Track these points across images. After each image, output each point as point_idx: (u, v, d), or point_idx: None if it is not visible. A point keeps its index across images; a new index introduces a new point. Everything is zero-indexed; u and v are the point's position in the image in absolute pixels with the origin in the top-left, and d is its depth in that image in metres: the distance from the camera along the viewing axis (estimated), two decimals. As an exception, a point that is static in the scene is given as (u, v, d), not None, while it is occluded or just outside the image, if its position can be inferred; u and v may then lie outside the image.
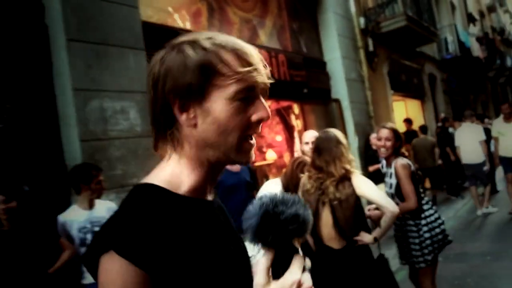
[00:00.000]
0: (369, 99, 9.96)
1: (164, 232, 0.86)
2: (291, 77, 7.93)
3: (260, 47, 6.93)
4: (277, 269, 0.89)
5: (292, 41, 8.75)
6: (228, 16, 7.27)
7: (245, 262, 1.06)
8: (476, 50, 19.85)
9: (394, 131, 4.01)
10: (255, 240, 0.88)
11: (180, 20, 6.31)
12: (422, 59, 14.24)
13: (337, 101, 9.26)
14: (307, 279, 0.88)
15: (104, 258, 0.83)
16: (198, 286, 0.87)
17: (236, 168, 4.40)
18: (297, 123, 8.60)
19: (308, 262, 0.92)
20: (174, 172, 0.98)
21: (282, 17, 8.62)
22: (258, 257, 0.89)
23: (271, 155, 9.12)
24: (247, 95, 0.95)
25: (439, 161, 11.31)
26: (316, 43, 9.46)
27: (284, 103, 8.66)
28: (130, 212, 0.89)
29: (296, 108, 8.64)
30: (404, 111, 13.99)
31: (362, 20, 10.42)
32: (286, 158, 9.00)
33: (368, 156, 8.49)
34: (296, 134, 8.55)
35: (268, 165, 9.13)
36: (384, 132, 4.00)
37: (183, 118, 0.95)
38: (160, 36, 4.80)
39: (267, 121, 1.00)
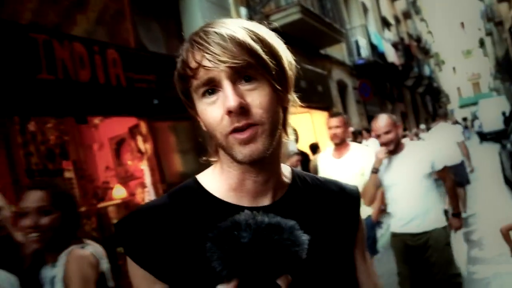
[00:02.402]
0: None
1: (170, 237, 0.93)
2: (131, 82, 5.74)
3: (70, 38, 4.88)
4: None
5: (137, 34, 6.55)
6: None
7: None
8: (392, 56, 18.75)
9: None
10: (218, 267, 0.80)
11: None
12: (328, 63, 12.58)
13: (207, 114, 7.15)
14: None
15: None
16: None
17: None
18: (145, 148, 6.37)
19: None
20: (217, 172, 1.03)
21: (120, 1, 6.42)
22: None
23: (119, 193, 6.86)
24: (210, 88, 0.91)
25: None
26: (176, 38, 7.34)
27: (124, 120, 6.43)
28: (146, 212, 0.98)
29: (143, 127, 6.40)
30: (311, 125, 12.20)
31: (243, 11, 8.47)
32: (139, 195, 6.78)
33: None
34: (145, 163, 6.32)
35: (116, 206, 6.86)
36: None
37: (201, 123, 0.99)
38: None
39: (237, 111, 0.87)
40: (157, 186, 6.23)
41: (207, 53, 0.87)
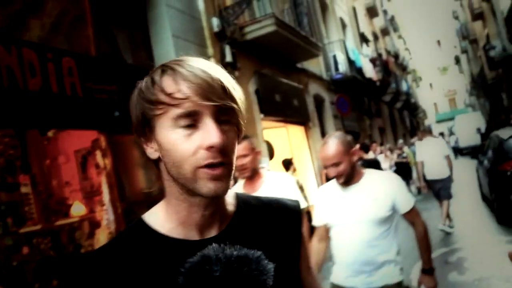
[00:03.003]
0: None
1: (122, 284, 0.90)
2: (89, 93, 5.27)
3: (19, 43, 4.42)
4: None
5: (99, 42, 6.07)
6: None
7: None
8: (369, 71, 18.50)
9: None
10: None
11: None
12: (305, 77, 12.21)
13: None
14: None
15: None
16: None
17: None
18: (105, 163, 5.86)
19: None
20: (164, 208, 1.01)
21: (81, 5, 5.95)
22: None
23: (77, 210, 6.31)
24: (190, 121, 0.91)
25: None
26: (143, 48, 6.89)
27: (89, 133, 5.93)
28: (95, 261, 0.95)
29: (102, 141, 5.90)
30: (287, 140, 11.79)
31: (215, 21, 8.05)
32: (99, 213, 6.25)
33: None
34: (103, 179, 5.81)
35: (76, 224, 6.31)
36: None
37: (148, 151, 0.98)
38: None
39: (219, 147, 0.89)
40: (116, 205, 5.73)
41: (195, 87, 0.88)
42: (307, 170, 11.67)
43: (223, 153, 0.91)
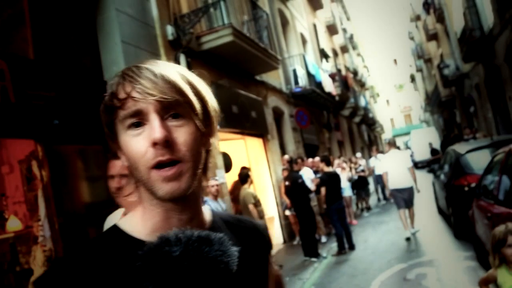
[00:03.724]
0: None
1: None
2: (24, 99, 4.71)
3: None
4: None
5: (40, 44, 5.49)
6: None
7: None
8: (329, 85, 18.33)
9: None
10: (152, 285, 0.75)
11: None
12: (264, 89, 11.82)
13: (122, 138, 6.13)
14: None
15: None
16: None
17: None
18: (41, 175, 5.25)
19: None
20: (139, 214, 0.95)
21: (18, 3, 5.37)
22: None
23: (13, 224, 5.65)
24: (136, 121, 0.87)
25: (287, 212, 10.28)
26: (91, 53, 6.34)
27: (15, 143, 5.32)
28: (68, 267, 0.87)
29: (39, 151, 5.29)
30: (245, 152, 11.34)
31: (170, 29, 7.56)
32: (36, 229, 5.61)
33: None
34: (40, 192, 5.20)
35: (11, 240, 5.65)
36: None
37: (122, 160, 0.94)
38: None
39: (162, 143, 0.84)
40: (52, 220, 5.13)
41: (137, 85, 0.85)
42: (265, 183, 11.23)
43: (172, 149, 0.86)
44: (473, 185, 6.31)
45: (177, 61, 7.60)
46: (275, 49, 13.16)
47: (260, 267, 1.06)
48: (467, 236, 7.16)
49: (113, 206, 2.68)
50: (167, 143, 0.84)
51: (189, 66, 7.81)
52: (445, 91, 27.94)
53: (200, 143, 0.91)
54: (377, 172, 15.61)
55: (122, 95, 0.86)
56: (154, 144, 0.83)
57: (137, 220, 0.93)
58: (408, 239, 8.60)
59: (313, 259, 8.61)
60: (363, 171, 15.17)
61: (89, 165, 5.98)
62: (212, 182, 6.20)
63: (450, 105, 28.96)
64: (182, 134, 0.87)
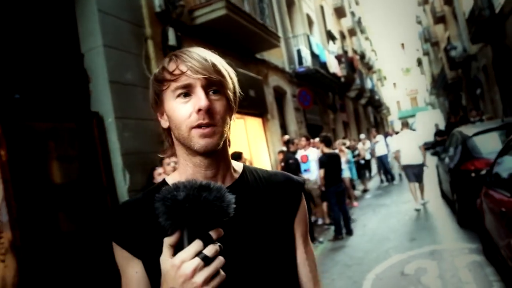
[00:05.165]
0: (161, 114, 6.16)
1: (140, 223, 1.07)
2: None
3: None
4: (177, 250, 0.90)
5: (7, 13, 4.66)
6: None
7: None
8: (334, 66, 17.30)
9: None
10: (163, 221, 0.88)
11: None
12: (265, 68, 10.90)
13: (96, 116, 5.34)
14: (191, 263, 0.86)
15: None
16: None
17: None
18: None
19: (211, 250, 0.87)
20: (180, 171, 1.14)
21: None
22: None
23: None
24: (185, 92, 1.04)
25: None
26: (67, 24, 5.50)
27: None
28: (124, 206, 1.16)
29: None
30: (244, 132, 10.50)
31: (157, 0, 6.67)
32: None
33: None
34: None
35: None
36: None
37: (162, 123, 1.13)
38: None
39: (205, 110, 1.02)
40: (11, 204, 4.36)
41: (189, 64, 1.03)
42: (263, 163, 10.40)
43: (211, 115, 1.03)
44: (483, 171, 5.38)
45: (165, 35, 6.73)
46: (277, 27, 12.20)
47: (285, 211, 1.17)
48: (472, 226, 6.29)
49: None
50: (208, 111, 1.03)
51: (180, 41, 6.95)
52: (451, 74, 26.64)
53: (228, 114, 1.09)
54: (379, 154, 14.69)
55: (177, 71, 1.04)
56: (199, 110, 1.02)
57: (176, 175, 1.15)
58: (418, 210, 9.07)
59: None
60: (358, 155, 14.25)
61: (60, 145, 5.19)
62: (167, 160, 5.10)
63: (456, 88, 27.66)
64: (218, 105, 1.06)
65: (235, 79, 1.14)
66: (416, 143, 9.46)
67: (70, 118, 5.21)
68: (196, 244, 0.86)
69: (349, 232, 8.13)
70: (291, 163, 8.49)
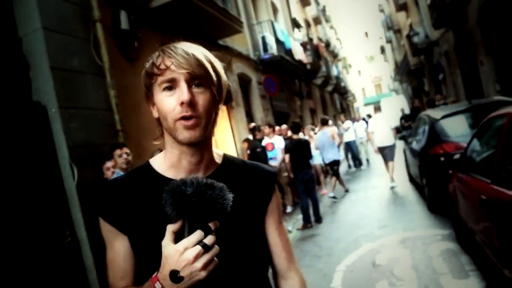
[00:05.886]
0: (113, 103, 5.55)
1: (126, 201, 1.13)
2: None
3: None
4: (178, 237, 0.99)
5: None
6: None
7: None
8: (299, 53, 16.86)
9: None
10: (169, 211, 0.98)
11: None
12: (228, 55, 10.33)
13: (38, 106, 4.71)
14: (193, 250, 0.95)
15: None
16: (142, 247, 1.11)
17: None
18: None
19: (210, 240, 0.97)
20: (163, 154, 1.21)
21: None
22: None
23: None
24: (170, 85, 1.09)
25: None
26: (3, 8, 4.82)
27: None
28: (111, 184, 1.19)
29: None
30: (209, 121, 9.95)
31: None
32: None
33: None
34: None
35: None
36: None
37: (153, 113, 1.17)
38: None
39: (187, 103, 1.06)
40: None
41: (173, 60, 1.07)
42: (229, 152, 9.85)
43: (193, 108, 1.07)
44: (456, 156, 5.02)
45: (116, 19, 6.10)
46: (241, 14, 11.63)
47: (259, 201, 1.24)
48: (442, 211, 5.98)
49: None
50: (190, 104, 1.06)
51: (135, 26, 6.33)
52: (414, 60, 26.63)
53: (212, 106, 1.12)
54: (347, 139, 14.38)
55: (162, 66, 1.08)
56: (182, 103, 1.06)
57: (162, 159, 1.20)
58: (393, 188, 9.37)
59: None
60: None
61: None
62: (118, 152, 4.55)
63: (418, 74, 27.71)
64: (201, 98, 1.09)
65: (221, 72, 1.17)
66: (389, 125, 9.89)
67: (8, 109, 4.57)
68: (198, 234, 0.97)
69: (318, 220, 7.75)
70: (258, 152, 8.02)
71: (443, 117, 6.28)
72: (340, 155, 10.34)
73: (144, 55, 6.77)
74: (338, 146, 10.36)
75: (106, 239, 1.15)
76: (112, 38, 5.97)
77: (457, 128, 6.08)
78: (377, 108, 10.81)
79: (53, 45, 4.86)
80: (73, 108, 4.94)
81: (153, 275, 1.00)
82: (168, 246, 0.97)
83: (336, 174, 9.79)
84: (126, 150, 4.54)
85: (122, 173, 4.44)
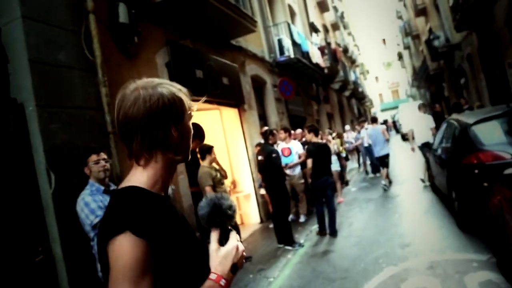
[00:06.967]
0: (104, 102, 4.80)
1: (154, 215, 1.13)
2: None
3: None
4: (221, 242, 1.26)
5: None
6: None
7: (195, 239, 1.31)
8: (317, 56, 15.98)
9: None
10: (208, 222, 1.26)
11: None
12: (241, 56, 9.54)
13: (14, 104, 3.99)
14: (241, 245, 1.27)
15: (116, 239, 1.06)
16: (178, 256, 1.16)
17: None
18: None
19: (238, 238, 1.30)
20: (150, 176, 1.21)
21: None
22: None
23: None
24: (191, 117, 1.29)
25: (262, 191, 8.06)
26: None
27: None
28: (129, 204, 1.13)
29: None
30: (220, 123, 9.18)
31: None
32: None
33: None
34: None
35: None
36: None
37: (172, 131, 1.22)
38: None
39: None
40: None
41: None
42: (241, 157, 9.09)
43: None
44: (503, 166, 4.10)
45: (114, 12, 5.37)
46: (257, 15, 10.84)
47: None
48: (476, 231, 5.05)
49: None
50: None
51: (134, 19, 5.59)
52: (433, 65, 25.43)
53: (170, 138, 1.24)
54: (366, 144, 13.43)
55: (194, 107, 1.33)
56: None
57: (142, 180, 1.21)
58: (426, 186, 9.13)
59: (287, 247, 6.56)
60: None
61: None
62: (93, 157, 3.69)
63: (438, 79, 26.48)
64: None
65: (145, 113, 1.18)
66: (428, 125, 9.54)
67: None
68: (236, 235, 1.28)
69: (333, 233, 6.86)
70: (274, 157, 7.06)
71: (477, 122, 5.35)
72: (388, 149, 10.73)
73: (145, 51, 6.03)
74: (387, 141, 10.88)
75: (132, 269, 1.05)
76: (108, 31, 5.24)
77: (493, 134, 5.16)
78: (421, 108, 10.54)
79: (33, 36, 4.13)
80: (55, 106, 4.20)
81: (210, 277, 1.17)
82: (220, 249, 1.23)
83: (387, 165, 10.53)
84: (103, 155, 3.76)
85: (96, 184, 3.65)
